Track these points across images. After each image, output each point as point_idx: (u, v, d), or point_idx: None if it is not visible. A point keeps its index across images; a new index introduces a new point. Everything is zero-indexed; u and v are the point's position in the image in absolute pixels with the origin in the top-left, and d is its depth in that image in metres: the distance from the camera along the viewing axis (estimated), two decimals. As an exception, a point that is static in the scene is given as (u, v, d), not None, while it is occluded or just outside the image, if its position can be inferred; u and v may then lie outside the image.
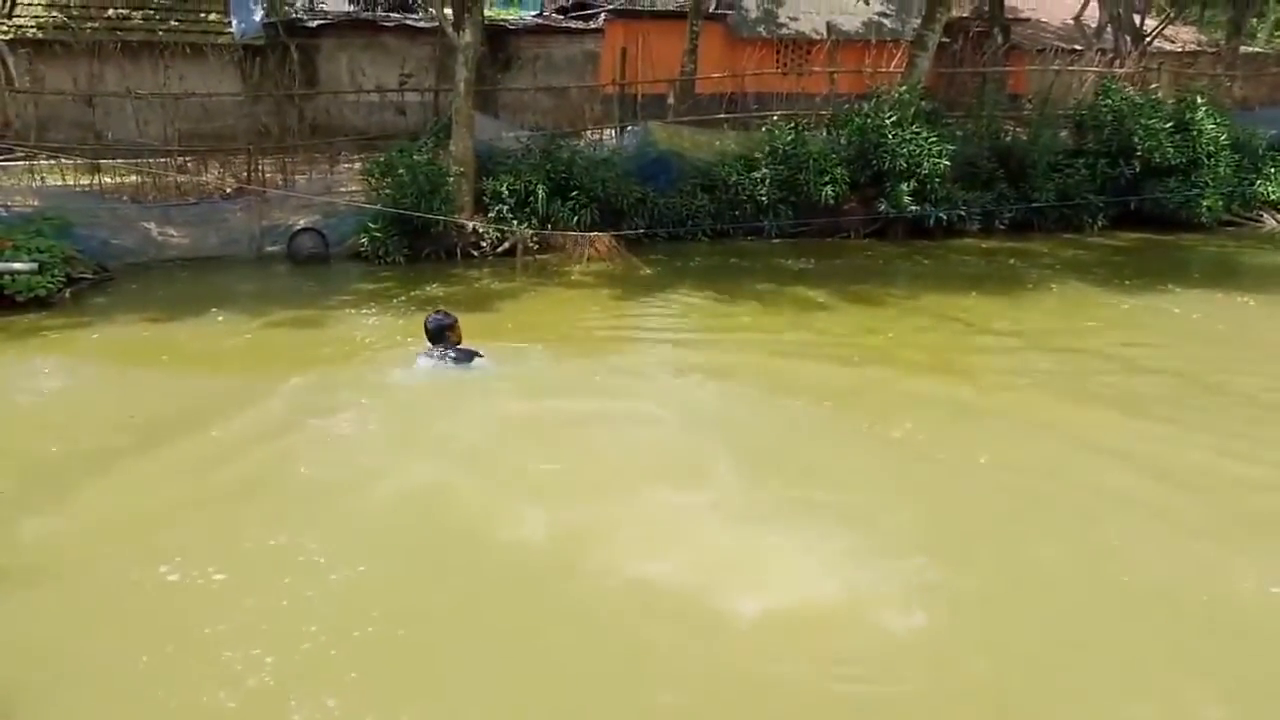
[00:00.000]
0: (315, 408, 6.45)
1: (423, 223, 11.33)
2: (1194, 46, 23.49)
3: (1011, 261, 12.26)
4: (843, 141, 13.53)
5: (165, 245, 11.61)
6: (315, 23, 18.09)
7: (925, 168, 12.95)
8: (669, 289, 10.49)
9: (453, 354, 6.60)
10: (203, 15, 17.00)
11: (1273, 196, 14.90)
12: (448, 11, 13.14)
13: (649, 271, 11.33)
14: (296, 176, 13.15)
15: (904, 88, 13.87)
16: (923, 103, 13.73)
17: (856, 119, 13.50)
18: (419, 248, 11.62)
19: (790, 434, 6.35)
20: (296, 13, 19.19)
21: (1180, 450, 5.97)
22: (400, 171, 11.51)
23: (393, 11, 21.03)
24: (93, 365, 7.79)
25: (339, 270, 11.46)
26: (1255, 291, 10.40)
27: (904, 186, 13.03)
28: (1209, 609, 4.25)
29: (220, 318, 8.99)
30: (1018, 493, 5.40)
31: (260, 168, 12.82)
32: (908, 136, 12.97)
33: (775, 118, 14.15)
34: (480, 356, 6.72)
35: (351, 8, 21.52)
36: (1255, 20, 26.86)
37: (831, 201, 13.03)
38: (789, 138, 13.30)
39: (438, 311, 6.92)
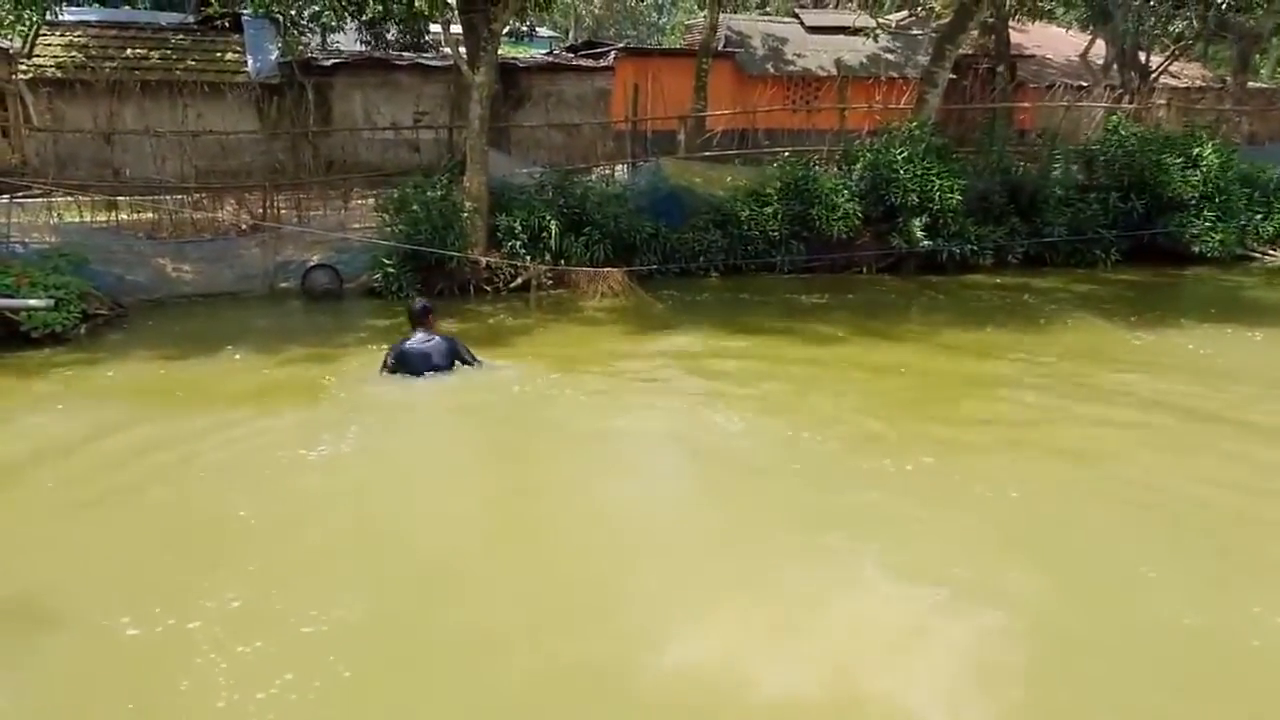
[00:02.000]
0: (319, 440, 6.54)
1: (437, 259, 11.37)
2: (1200, 82, 23.66)
3: (1025, 296, 12.23)
4: (854, 176, 13.58)
5: (180, 281, 11.66)
6: (330, 61, 18.34)
7: (937, 202, 12.99)
8: (682, 324, 10.48)
9: (431, 340, 7.73)
10: (219, 55, 17.25)
11: (1285, 231, 14.88)
12: (462, 50, 13.31)
13: (662, 307, 11.33)
14: (311, 213, 13.24)
15: (915, 123, 13.96)
16: (933, 138, 13.80)
17: (868, 154, 13.57)
18: (433, 284, 11.65)
19: (807, 467, 6.33)
20: (311, 52, 19.49)
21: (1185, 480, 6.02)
22: (414, 208, 11.59)
23: (405, 50, 21.38)
24: (105, 402, 7.78)
25: (353, 306, 11.49)
26: (1265, 327, 10.40)
27: (916, 221, 13.06)
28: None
29: (236, 355, 8.98)
30: (1056, 522, 5.43)
31: (275, 204, 12.93)
32: (919, 171, 13.03)
33: (786, 154, 14.24)
34: (446, 341, 7.82)
35: (364, 47, 21.88)
36: (1259, 56, 27.09)
37: (844, 236, 13.06)
38: (800, 173, 13.37)
39: (420, 299, 8.38)
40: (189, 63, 16.62)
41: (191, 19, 18.28)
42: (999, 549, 5.17)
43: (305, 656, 4.06)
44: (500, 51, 14.36)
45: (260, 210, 12.74)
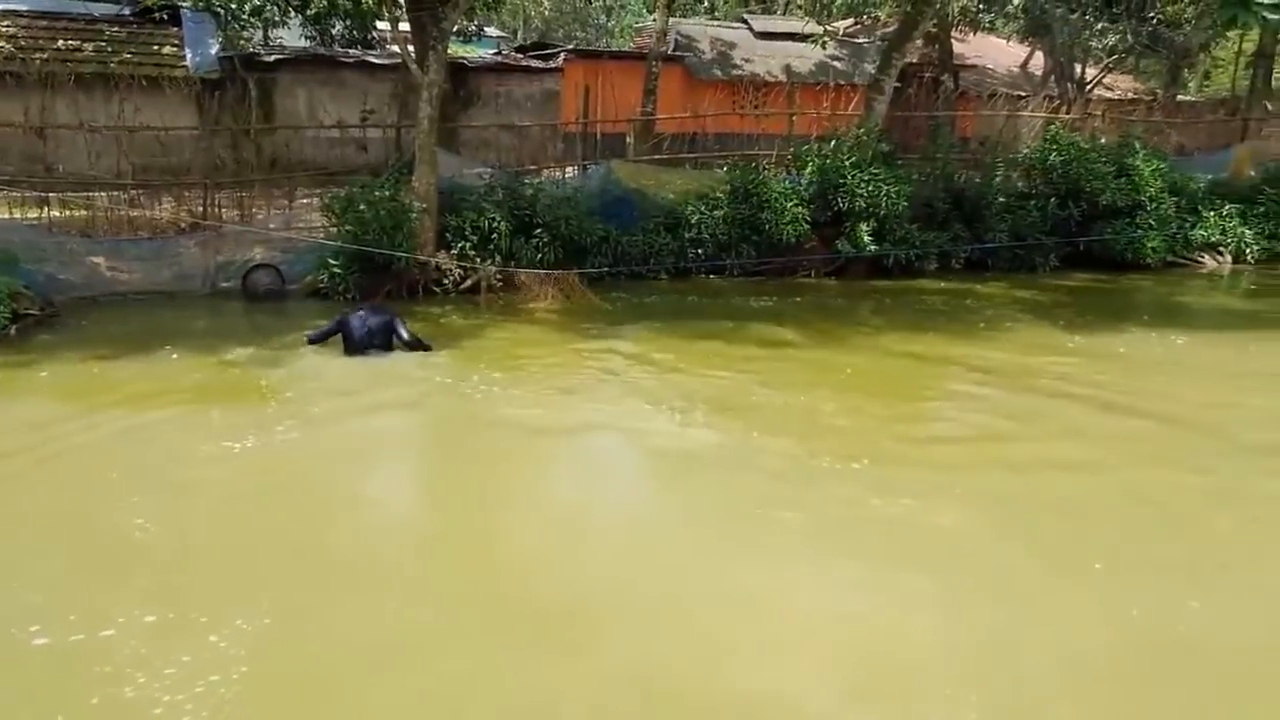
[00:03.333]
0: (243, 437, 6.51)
1: (384, 259, 11.19)
2: (1132, 95, 24.44)
3: (968, 301, 12.50)
4: (803, 181, 13.73)
5: (115, 281, 11.29)
6: (272, 57, 17.97)
7: (884, 208, 13.20)
8: (632, 326, 10.48)
9: (376, 317, 8.58)
10: (157, 48, 16.77)
11: (1212, 239, 15.46)
12: (410, 49, 13.14)
13: (613, 309, 11.32)
14: (254, 212, 12.93)
15: (862, 129, 14.17)
16: (880, 144, 14.02)
17: (816, 159, 13.74)
18: (380, 284, 11.46)
19: (751, 470, 6.41)
20: (253, 47, 19.06)
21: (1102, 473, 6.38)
22: (362, 207, 11.38)
23: (352, 47, 21.04)
24: (33, 402, 7.53)
25: (297, 307, 11.23)
26: (1188, 330, 10.92)
27: (864, 226, 13.25)
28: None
29: (174, 355, 8.75)
30: (998, 521, 5.58)
31: (216, 202, 12.60)
32: (866, 177, 13.22)
33: (736, 158, 14.34)
34: (388, 318, 8.59)
35: (308, 43, 21.47)
36: (1187, 71, 28.08)
37: (793, 240, 13.19)
38: (750, 177, 13.47)
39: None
40: (125, 55, 16.10)
41: (127, 10, 17.72)
42: (938, 547, 5.28)
43: (210, 663, 3.99)
44: (449, 51, 14.21)
45: (200, 208, 12.40)
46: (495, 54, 22.52)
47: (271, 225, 12.40)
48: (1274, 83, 21.99)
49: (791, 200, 13.23)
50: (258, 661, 4.01)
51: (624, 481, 6.49)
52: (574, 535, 5.45)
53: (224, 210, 12.59)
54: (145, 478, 5.97)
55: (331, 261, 11.31)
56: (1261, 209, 15.93)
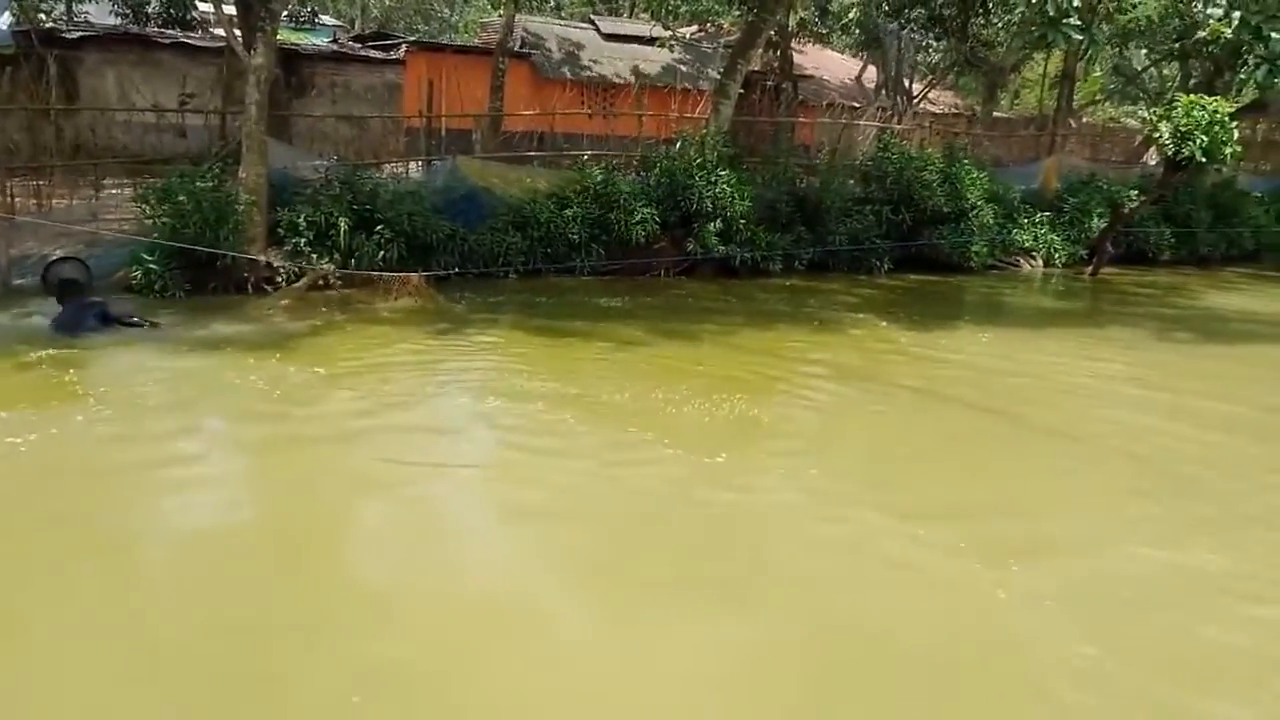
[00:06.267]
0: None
1: (208, 255, 10.35)
2: (954, 109, 26.12)
3: (811, 300, 12.91)
4: (652, 182, 13.78)
5: (-118, 277, 9.91)
6: (76, 34, 16.36)
7: (730, 210, 13.43)
8: (480, 326, 10.16)
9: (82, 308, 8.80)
10: (-64, 17, 14.93)
11: (1027, 244, 16.70)
12: (237, 31, 12.23)
13: (460, 309, 10.92)
14: (54, 201, 11.67)
15: (708, 132, 14.37)
16: (725, 148, 14.26)
17: (665, 161, 13.81)
18: (203, 282, 10.60)
19: (609, 463, 6.35)
20: (54, 22, 17.30)
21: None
22: (181, 199, 10.47)
23: (168, 27, 19.47)
24: None
25: (129, 309, 10.17)
26: (995, 327, 11.94)
27: (711, 227, 13.44)
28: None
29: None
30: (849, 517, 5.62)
31: (9, 190, 11.27)
32: (713, 179, 13.41)
33: (586, 157, 14.22)
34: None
35: (118, 20, 19.70)
36: (1001, 89, 30.26)
37: (642, 241, 13.20)
38: (600, 177, 13.38)
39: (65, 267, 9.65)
40: (-105, 23, 14.23)
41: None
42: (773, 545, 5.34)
43: None
44: (279, 36, 13.37)
45: (-12, 196, 11.07)
46: (331, 42, 21.42)
47: (75, 216, 11.23)
48: (1075, 102, 24.03)
49: (641, 201, 13.24)
50: None
51: (446, 498, 5.96)
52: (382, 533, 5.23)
53: (18, 199, 11.29)
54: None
55: (146, 256, 10.34)
56: (1066, 217, 17.38)
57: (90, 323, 8.73)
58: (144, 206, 10.81)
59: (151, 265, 10.31)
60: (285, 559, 4.96)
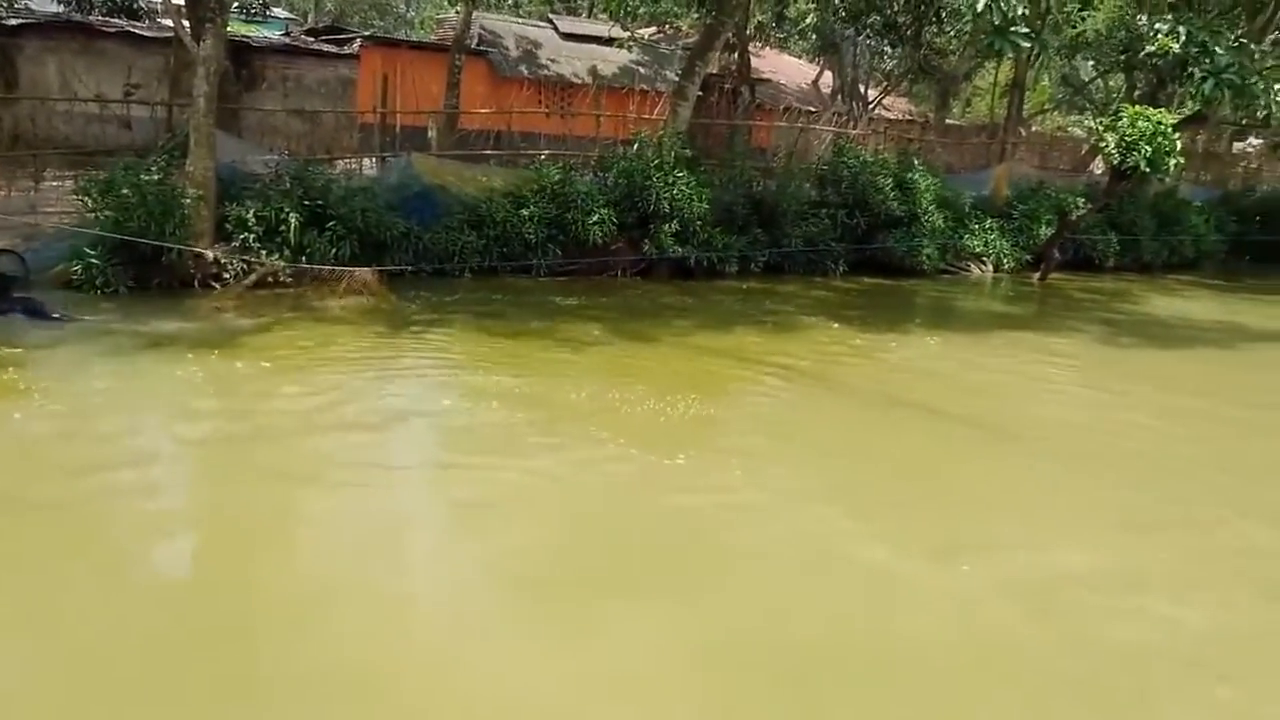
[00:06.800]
0: None
1: (152, 250, 10.07)
2: (907, 116, 26.48)
3: (767, 302, 12.98)
4: (610, 183, 13.74)
5: None
6: (15, 21, 15.84)
7: (687, 211, 13.44)
8: (434, 325, 10.05)
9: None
10: None
11: (978, 249, 16.99)
12: (185, 22, 11.93)
13: (414, 307, 10.78)
14: (-10, 192, 11.30)
15: (665, 134, 14.36)
16: (683, 149, 14.26)
17: (622, 161, 13.78)
18: (147, 277, 10.31)
19: (563, 462, 6.31)
20: (-9, 7, 16.72)
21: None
22: (125, 191, 10.18)
23: (113, 16, 18.94)
24: None
25: (42, 300, 9.86)
26: (943, 331, 12.10)
27: (668, 228, 13.44)
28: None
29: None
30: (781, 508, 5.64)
31: (-59, 180, 10.90)
32: (670, 181, 13.41)
33: (543, 157, 14.13)
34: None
35: (60, 8, 19.12)
36: (953, 97, 30.77)
37: (599, 241, 13.14)
38: (557, 177, 13.30)
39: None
40: None
41: None
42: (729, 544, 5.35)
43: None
44: (230, 27, 13.08)
45: (-80, 186, 10.67)
46: (283, 35, 21.04)
47: (12, 208, 10.86)
48: (1024, 111, 24.51)
49: (598, 201, 13.19)
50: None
51: (391, 498, 5.83)
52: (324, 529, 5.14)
53: (-50, 190, 10.91)
54: None
55: (88, 250, 10.02)
56: (1016, 224, 17.73)
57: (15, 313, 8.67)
58: (86, 199, 10.48)
59: (93, 260, 10.00)
60: (218, 561, 4.85)
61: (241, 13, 19.81)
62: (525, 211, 12.97)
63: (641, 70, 22.03)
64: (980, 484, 6.75)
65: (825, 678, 4.08)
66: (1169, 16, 13.69)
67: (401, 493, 5.91)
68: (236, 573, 4.69)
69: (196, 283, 10.61)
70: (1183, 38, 13.29)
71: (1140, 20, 15.02)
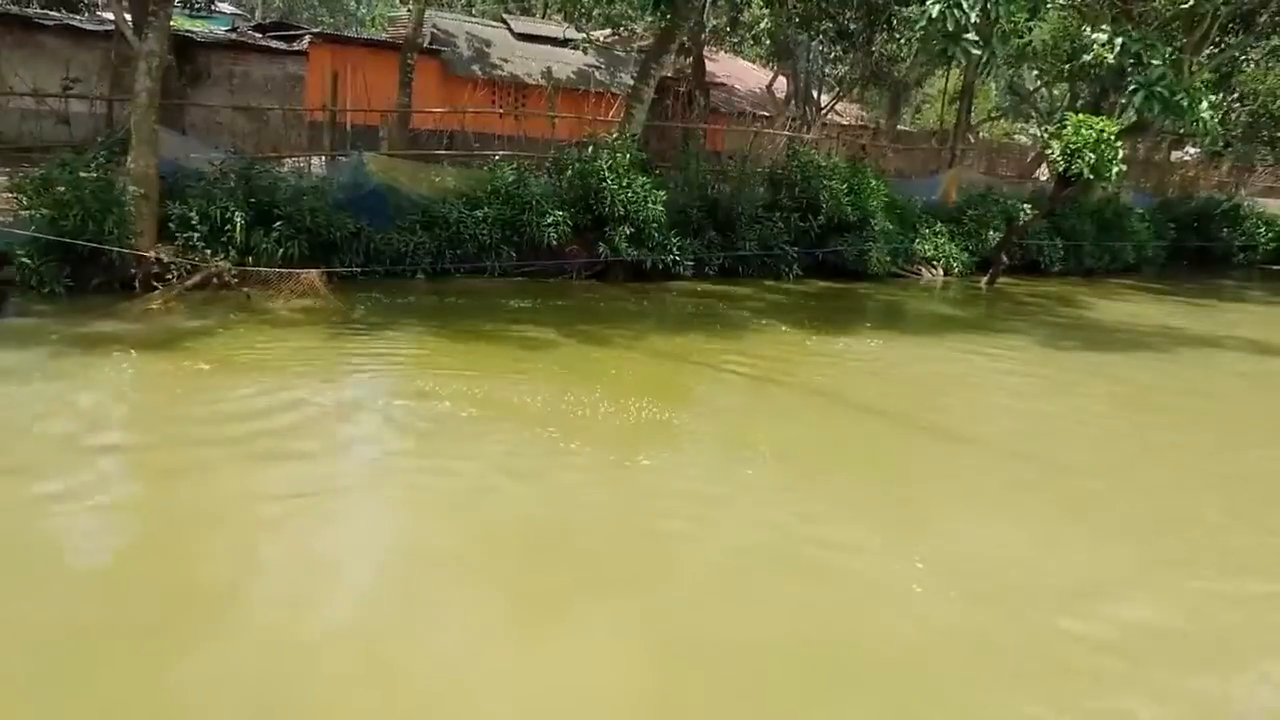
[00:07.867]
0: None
1: (90, 250, 9.76)
2: (859, 122, 26.83)
3: (721, 304, 13.01)
4: (564, 185, 13.67)
5: None
6: (-53, 11, 15.28)
7: (642, 214, 13.43)
8: (385, 326, 9.88)
9: None
10: None
11: (928, 253, 17.25)
12: (127, 16, 11.59)
13: (364, 309, 10.60)
14: (-82, 189, 10.84)
15: (619, 136, 14.34)
16: (637, 152, 14.25)
17: (577, 163, 13.72)
18: (86, 278, 10.00)
19: (516, 466, 6.23)
20: (-79, -3, 16.12)
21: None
22: (61, 189, 9.86)
23: (51, 8, 18.38)
24: None
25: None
26: (885, 332, 12.29)
27: (623, 231, 13.41)
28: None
29: None
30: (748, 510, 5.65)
31: None
32: (625, 183, 13.38)
33: (497, 157, 14.01)
34: None
35: (-3, -1, 18.52)
36: (904, 103, 31.28)
37: (554, 243, 13.07)
38: (511, 178, 13.20)
39: None
40: None
41: None
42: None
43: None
44: (173, 23, 12.75)
45: None
46: (230, 31, 20.59)
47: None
48: (973, 118, 24.99)
49: (553, 203, 13.12)
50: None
51: (332, 506, 5.62)
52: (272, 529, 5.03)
53: (-125, 185, 10.45)
54: None
55: (19, 251, 9.68)
56: (965, 228, 18.04)
57: None
58: (20, 197, 10.13)
59: (25, 260, 9.67)
60: (142, 572, 4.66)
61: (186, 7, 19.36)
62: (479, 213, 12.85)
63: (597, 73, 22.02)
64: (931, 480, 6.81)
65: (784, 674, 4.07)
66: (1106, 28, 13.99)
67: (344, 500, 5.69)
68: (163, 582, 4.53)
69: (138, 283, 10.30)
70: (1117, 49, 13.61)
71: (1085, 30, 15.35)
